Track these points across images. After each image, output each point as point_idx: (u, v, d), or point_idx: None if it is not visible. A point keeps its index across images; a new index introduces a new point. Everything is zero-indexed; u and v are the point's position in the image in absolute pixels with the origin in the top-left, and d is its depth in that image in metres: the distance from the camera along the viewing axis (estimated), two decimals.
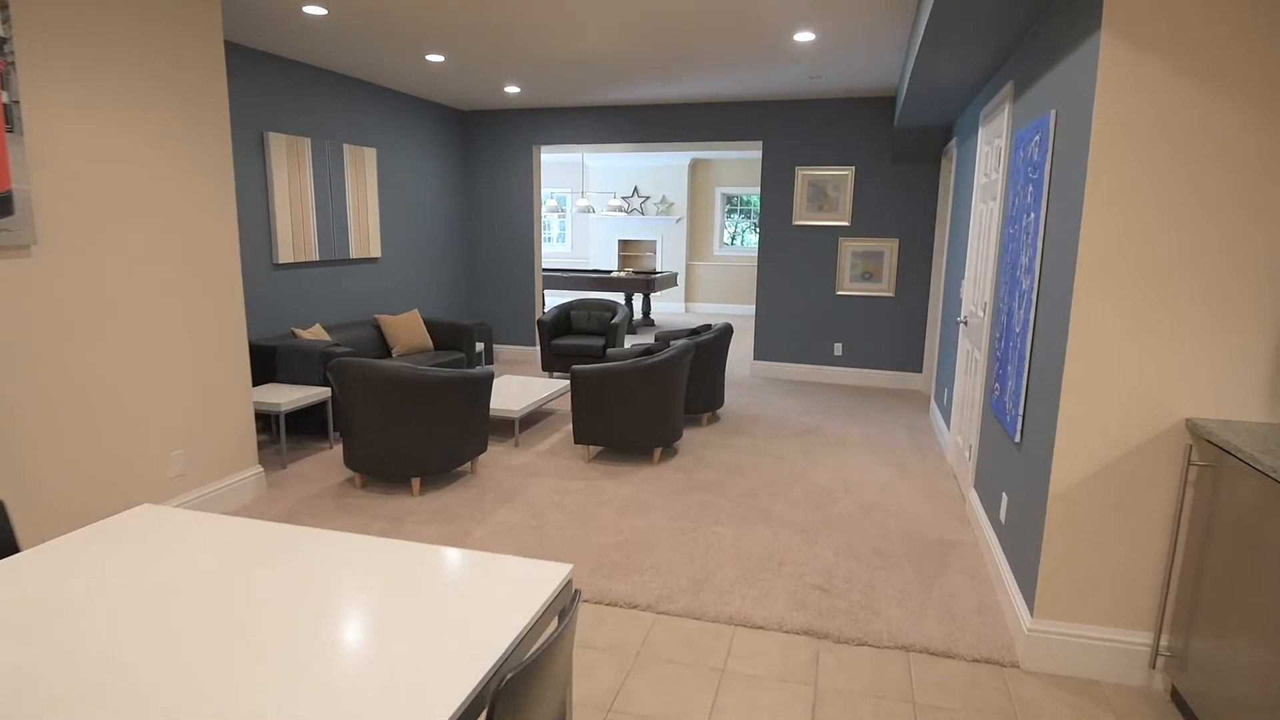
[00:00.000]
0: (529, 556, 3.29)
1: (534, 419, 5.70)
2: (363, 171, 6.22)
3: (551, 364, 6.79)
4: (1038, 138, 2.86)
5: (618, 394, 4.50)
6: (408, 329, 6.22)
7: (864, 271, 6.83)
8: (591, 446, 4.90)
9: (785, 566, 3.26)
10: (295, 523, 3.62)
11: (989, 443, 3.51)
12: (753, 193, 12.43)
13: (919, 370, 6.86)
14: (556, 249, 13.57)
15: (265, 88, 5.24)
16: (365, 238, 6.31)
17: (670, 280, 10.71)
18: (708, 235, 12.67)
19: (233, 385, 3.83)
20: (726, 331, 5.48)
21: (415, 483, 4.05)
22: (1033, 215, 2.87)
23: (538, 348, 7.87)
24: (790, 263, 7.02)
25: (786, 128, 6.84)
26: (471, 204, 7.87)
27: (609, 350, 5.32)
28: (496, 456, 4.76)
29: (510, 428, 5.44)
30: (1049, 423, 2.50)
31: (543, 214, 12.26)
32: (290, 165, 5.45)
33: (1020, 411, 2.86)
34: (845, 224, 6.81)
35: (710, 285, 12.63)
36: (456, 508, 3.89)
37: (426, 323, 6.49)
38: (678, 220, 12.47)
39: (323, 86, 5.77)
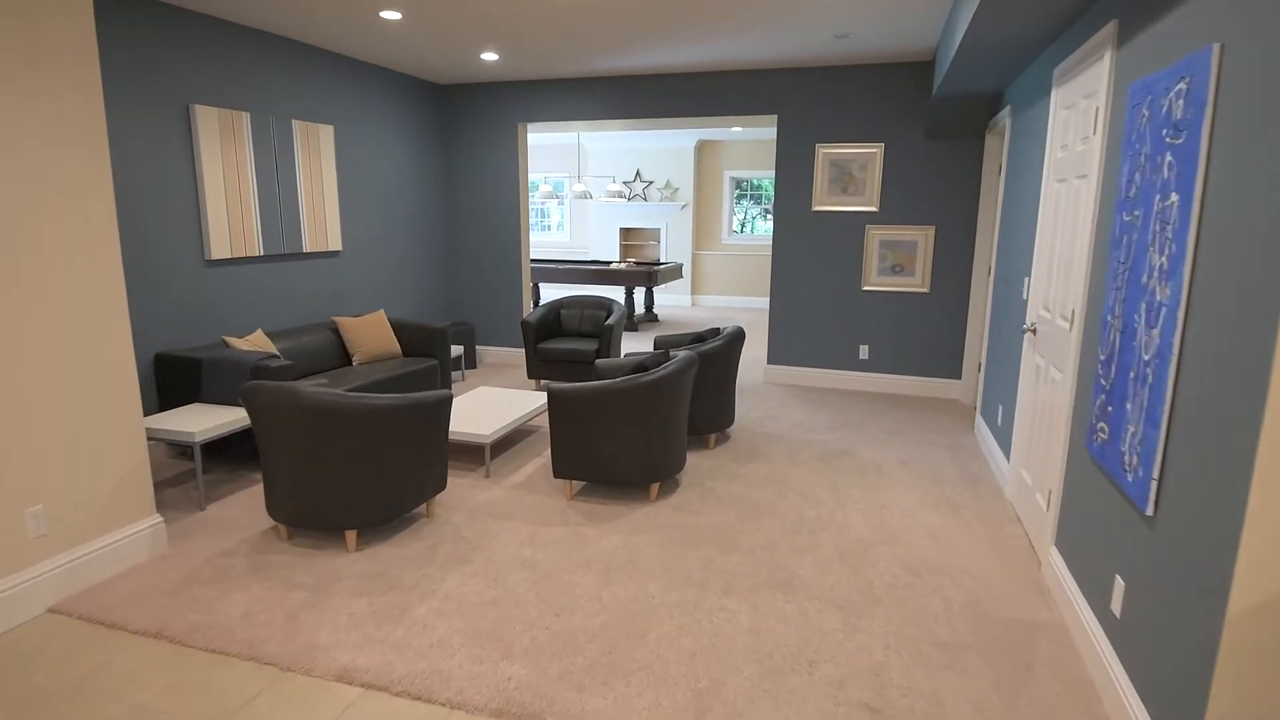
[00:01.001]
0: (477, 650, 2.46)
1: (513, 439, 4.90)
2: (317, 152, 5.41)
3: (538, 371, 5.99)
4: (1182, 86, 2.01)
5: (606, 420, 3.69)
6: (371, 333, 5.42)
7: (894, 264, 5.98)
8: (574, 481, 4.10)
9: (819, 666, 2.46)
10: (192, 593, 2.85)
11: (1087, 498, 2.68)
12: (765, 176, 11.54)
13: (957, 377, 6.02)
14: (554, 238, 12.74)
15: (191, 54, 4.42)
16: (321, 228, 5.50)
17: (675, 272, 9.87)
18: (716, 222, 11.80)
19: (115, 417, 3.03)
20: (737, 338, 4.66)
21: (350, 536, 3.26)
22: (1175, 197, 2.02)
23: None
24: (809, 254, 6.17)
25: (806, 99, 5.97)
26: (451, 189, 7.05)
27: (599, 361, 4.52)
28: (460, 492, 3.97)
29: (480, 454, 4.65)
30: (1223, 503, 1.68)
31: (536, 200, 11.43)
32: (224, 144, 4.64)
33: (1154, 473, 2.03)
34: (873, 209, 5.95)
35: (718, 276, 11.78)
36: (399, 570, 3.09)
37: (394, 325, 5.69)
38: (683, 206, 11.61)
39: (264, 53, 4.95)
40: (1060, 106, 3.40)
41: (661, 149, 11.54)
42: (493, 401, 4.78)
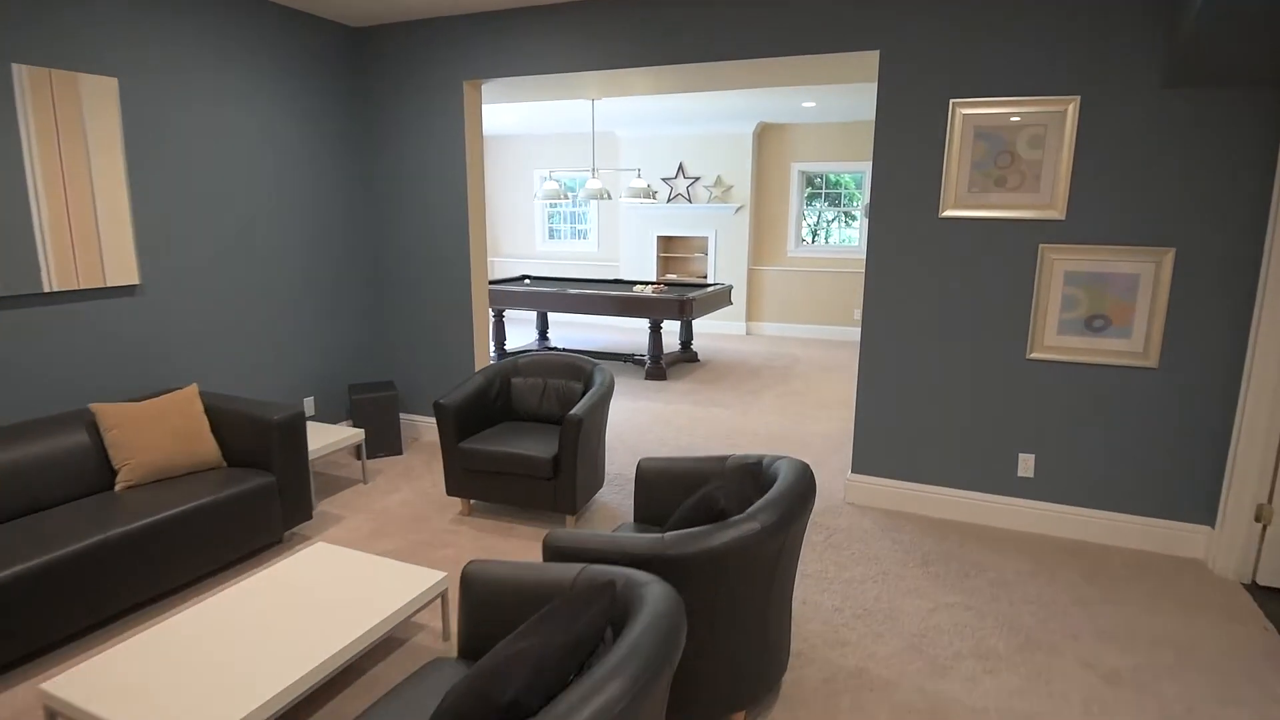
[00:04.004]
0: None
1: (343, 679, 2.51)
2: (78, 123, 3.17)
3: (462, 484, 3.59)
4: None
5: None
6: (159, 429, 3.14)
7: (1091, 314, 3.32)
8: None
9: None
10: None
11: None
12: (846, 169, 8.86)
13: (1207, 522, 3.31)
14: (577, 248, 10.37)
15: None
16: (92, 251, 3.26)
17: (721, 297, 7.34)
18: (779, 229, 9.19)
19: None
20: (795, 504, 2.12)
21: None
22: None
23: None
24: (931, 291, 3.57)
25: (932, 20, 3.38)
26: (368, 182, 4.74)
27: (551, 538, 2.39)
28: None
29: None
30: None
31: (539, 201, 9.08)
32: None
33: None
34: (1053, 215, 3.31)
35: (782, 298, 9.16)
36: None
37: (214, 412, 3.39)
38: (738, 209, 9.05)
39: None
40: None
41: (711, 136, 9.01)
42: (308, 598, 2.40)
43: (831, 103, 7.21)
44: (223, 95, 3.81)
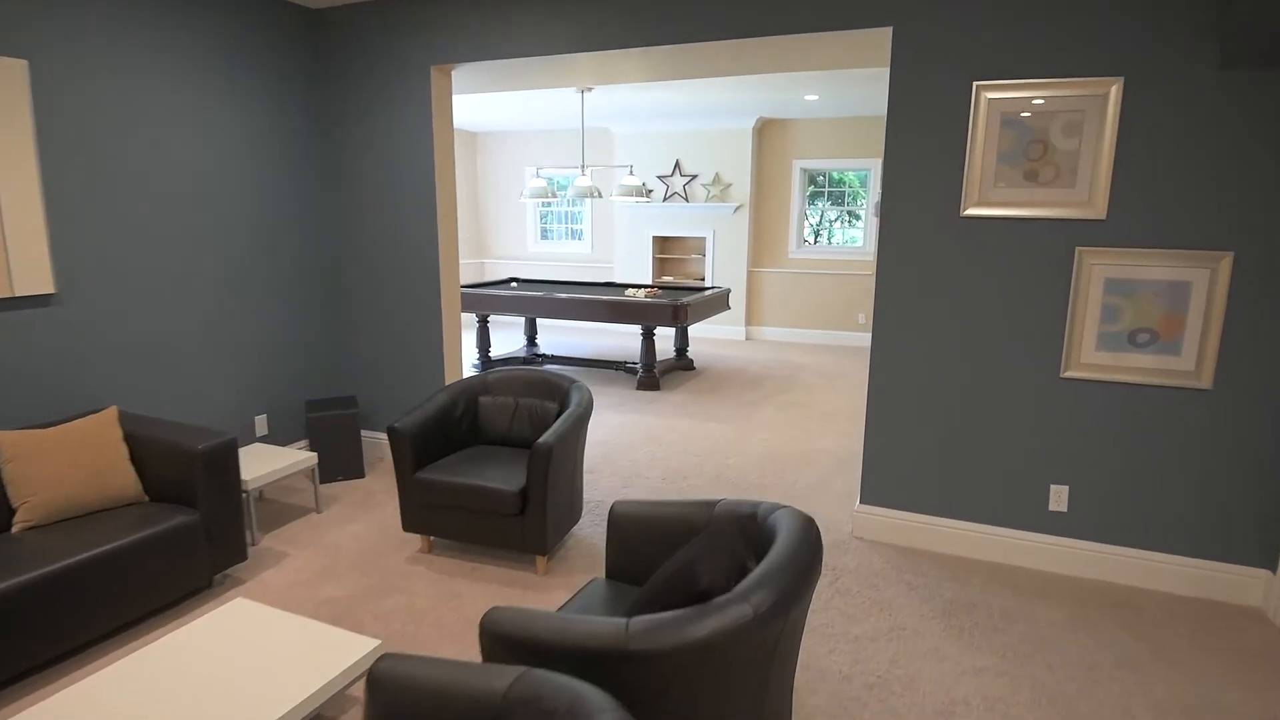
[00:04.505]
0: None
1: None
2: None
3: (419, 519, 3.18)
4: None
5: None
6: (66, 459, 2.74)
7: (1135, 327, 2.90)
8: None
9: None
10: None
11: None
12: (851, 167, 8.44)
13: (1267, 566, 2.89)
14: (570, 250, 9.96)
15: None
16: None
17: (718, 302, 6.93)
18: (780, 229, 8.78)
19: None
20: (808, 565, 1.71)
21: None
22: None
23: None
24: (950, 297, 3.16)
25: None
26: (326, 175, 4.34)
27: (490, 616, 1.84)
28: None
29: None
30: None
31: (523, 199, 8.71)
32: None
33: None
34: (1092, 215, 2.89)
35: (784, 301, 8.75)
36: None
37: (136, 441, 2.98)
38: (737, 209, 8.63)
39: None
40: None
41: (709, 132, 8.59)
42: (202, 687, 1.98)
43: (835, 96, 6.79)
44: (157, 82, 3.40)
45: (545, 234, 10.23)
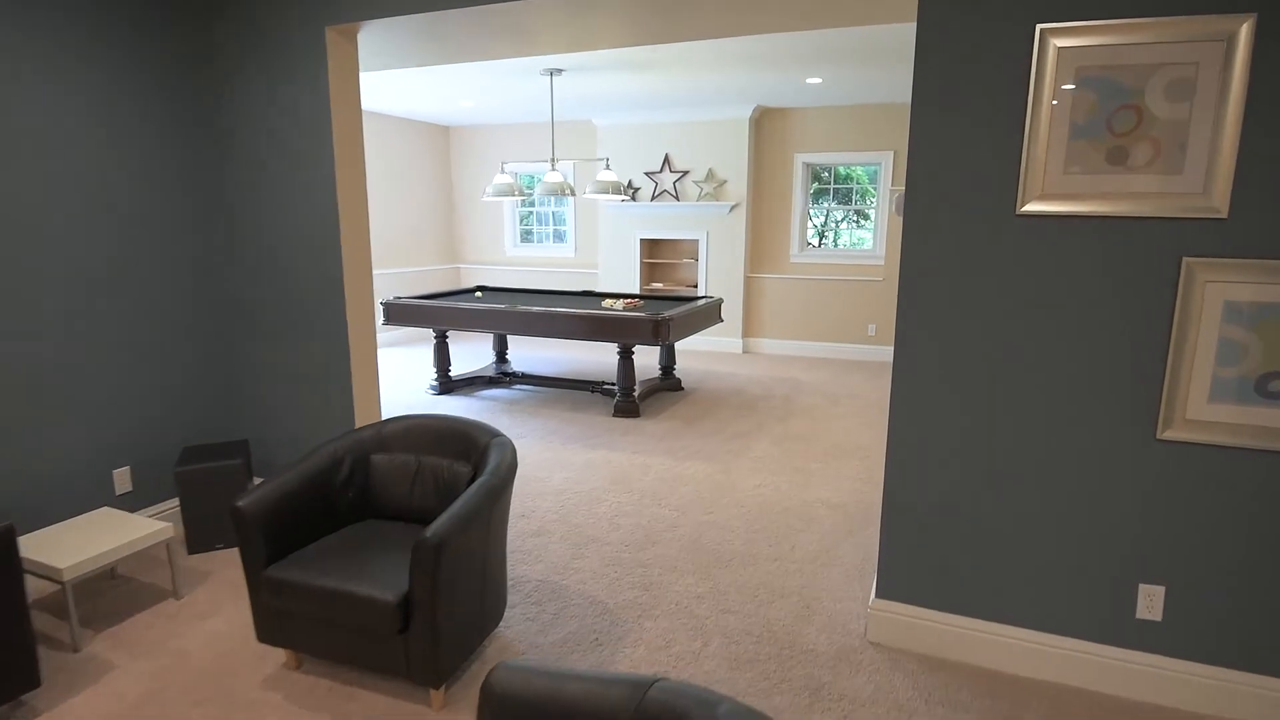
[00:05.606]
0: None
1: None
2: None
3: (275, 630, 2.34)
4: None
5: None
6: None
7: (1266, 370, 2.04)
8: None
9: None
10: None
11: None
12: (858, 161, 7.58)
13: None
14: (553, 253, 9.14)
15: None
16: None
17: (710, 314, 6.09)
18: (781, 230, 7.93)
19: None
20: None
21: None
22: None
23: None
24: (999, 325, 2.30)
25: None
26: (211, 175, 3.51)
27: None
28: None
29: None
30: None
31: (487, 198, 7.94)
32: None
33: None
34: (1208, 212, 2.03)
35: (785, 310, 7.89)
36: None
37: None
38: (733, 208, 7.79)
39: None
40: None
41: (702, 123, 7.75)
42: None
43: (842, 80, 5.95)
44: None
45: (526, 236, 9.42)
